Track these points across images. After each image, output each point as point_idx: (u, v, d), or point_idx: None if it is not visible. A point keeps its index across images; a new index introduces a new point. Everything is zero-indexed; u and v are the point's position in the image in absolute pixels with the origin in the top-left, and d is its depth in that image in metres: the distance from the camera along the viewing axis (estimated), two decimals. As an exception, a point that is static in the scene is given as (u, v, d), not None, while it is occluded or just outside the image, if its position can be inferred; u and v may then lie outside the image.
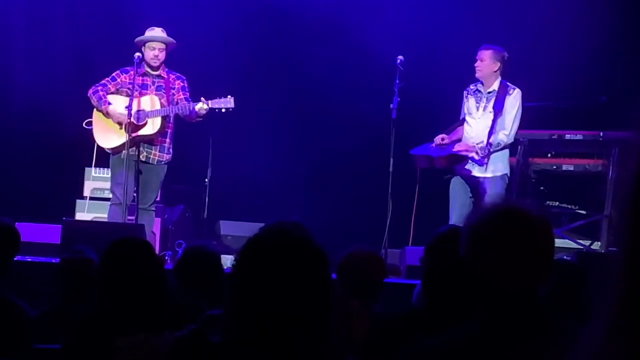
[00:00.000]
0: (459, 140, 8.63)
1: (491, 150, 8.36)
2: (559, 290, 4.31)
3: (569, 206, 9.36)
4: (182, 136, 9.80)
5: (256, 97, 10.62)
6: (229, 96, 8.53)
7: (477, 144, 8.41)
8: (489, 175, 8.42)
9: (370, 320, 4.10)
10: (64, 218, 8.18)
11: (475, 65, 8.53)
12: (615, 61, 9.95)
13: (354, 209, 10.48)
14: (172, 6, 10.59)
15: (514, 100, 8.49)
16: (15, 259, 4.38)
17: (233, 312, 2.31)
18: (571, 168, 9.31)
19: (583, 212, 9.23)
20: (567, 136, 9.33)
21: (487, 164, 8.37)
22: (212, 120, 9.13)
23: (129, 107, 8.35)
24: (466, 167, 8.48)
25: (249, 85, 10.47)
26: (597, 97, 9.51)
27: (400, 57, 8.75)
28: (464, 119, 8.69)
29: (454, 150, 8.48)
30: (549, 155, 9.41)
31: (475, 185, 8.49)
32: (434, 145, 8.59)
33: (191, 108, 8.46)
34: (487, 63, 8.49)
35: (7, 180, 10.50)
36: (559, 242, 7.98)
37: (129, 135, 8.33)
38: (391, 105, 8.64)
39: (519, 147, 9.13)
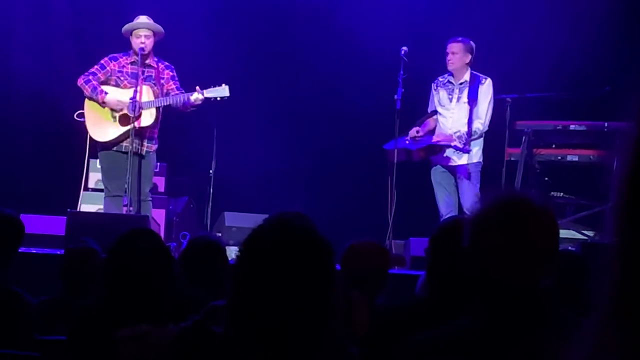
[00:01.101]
0: (431, 132, 8.79)
1: (469, 139, 8.48)
2: (563, 281, 4.31)
3: (574, 197, 9.35)
4: (186, 128, 9.81)
5: (260, 89, 10.62)
6: (223, 84, 8.48)
7: (455, 133, 8.58)
8: (466, 162, 8.69)
9: (372, 312, 4.10)
10: (68, 210, 8.18)
11: (448, 58, 8.77)
12: (620, 51, 9.92)
13: (359, 200, 10.49)
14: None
15: (486, 89, 8.76)
16: (20, 250, 4.39)
17: (237, 303, 2.31)
18: (576, 159, 9.30)
19: (587, 202, 9.21)
20: (572, 127, 9.32)
21: (470, 151, 8.52)
22: (216, 112, 9.12)
23: (133, 99, 8.32)
24: (445, 155, 8.67)
25: (252, 77, 10.48)
26: (601, 87, 9.48)
27: (405, 48, 8.81)
28: (433, 112, 8.89)
29: (432, 141, 8.64)
30: (554, 145, 9.40)
31: (456, 173, 8.76)
32: (408, 138, 8.71)
33: (186, 99, 8.41)
34: (459, 56, 8.75)
35: (12, 172, 10.50)
36: (563, 233, 7.98)
37: (134, 127, 8.31)
38: (395, 96, 8.67)
39: (523, 137, 9.14)
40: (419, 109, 9.15)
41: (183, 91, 8.56)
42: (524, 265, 2.34)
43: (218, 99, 8.47)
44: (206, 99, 8.44)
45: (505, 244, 2.33)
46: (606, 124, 9.08)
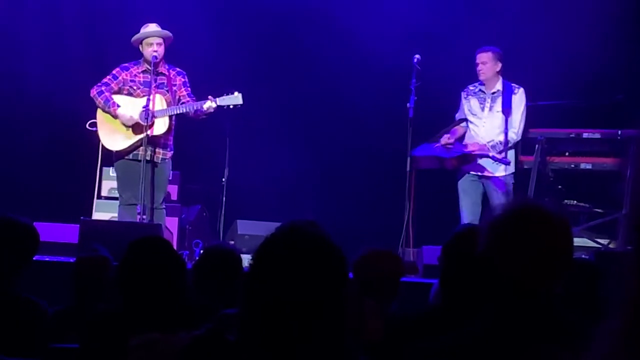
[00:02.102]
0: (460, 139, 8.74)
1: (505, 149, 8.45)
2: (576, 289, 4.29)
3: (587, 205, 9.32)
4: (199, 136, 9.82)
5: (272, 97, 10.63)
6: (236, 92, 8.48)
7: (488, 142, 8.53)
8: (503, 173, 8.58)
9: (385, 320, 4.09)
10: (81, 218, 8.19)
11: (479, 69, 8.70)
12: (633, 59, 9.89)
13: (372, 209, 10.48)
14: (181, 2, 10.62)
15: (519, 99, 8.71)
16: (33, 258, 4.39)
17: (249, 311, 2.31)
18: (589, 166, 9.28)
19: (601, 210, 9.18)
20: (585, 135, 9.30)
21: (510, 162, 8.47)
22: (229, 120, 9.13)
23: (146, 107, 8.33)
24: (478, 165, 8.58)
25: (264, 85, 10.48)
26: (614, 95, 9.46)
27: (417, 56, 8.80)
28: (462, 120, 8.82)
29: (466, 150, 8.57)
30: (567, 153, 9.38)
31: (488, 184, 8.65)
32: (438, 145, 8.67)
33: (198, 107, 8.42)
34: (489, 65, 8.69)
35: (26, 180, 10.54)
36: (577, 241, 7.95)
37: (147, 135, 8.32)
38: (408, 104, 8.67)
39: (537, 145, 9.12)
40: (432, 116, 9.14)
41: (194, 97, 8.57)
42: (538, 273, 2.33)
43: (231, 107, 8.47)
44: (219, 107, 8.43)
45: (519, 251, 2.33)
46: (619, 132, 9.06)
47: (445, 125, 9.13)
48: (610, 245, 8.96)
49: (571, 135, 9.33)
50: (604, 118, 9.47)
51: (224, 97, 8.45)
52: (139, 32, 8.63)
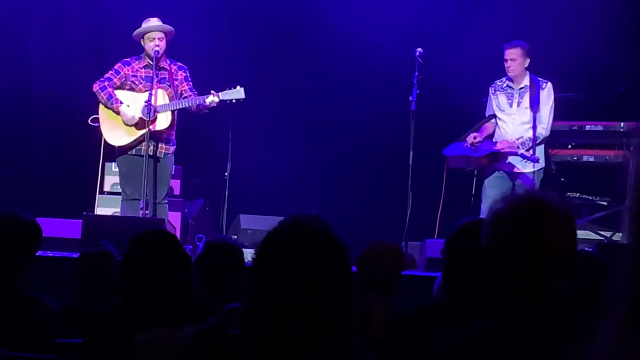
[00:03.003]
0: (490, 136, 8.66)
1: (534, 145, 8.37)
2: (580, 282, 4.29)
3: (590, 197, 9.33)
4: (201, 131, 9.82)
5: (274, 92, 10.62)
6: (238, 86, 8.46)
7: (518, 139, 8.45)
8: (532, 169, 8.50)
9: (389, 314, 4.09)
10: (84, 213, 8.19)
11: (507, 65, 8.54)
12: (635, 52, 9.89)
13: (374, 202, 10.48)
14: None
15: (547, 94, 8.58)
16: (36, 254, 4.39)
17: (253, 306, 2.31)
18: (592, 159, 9.29)
19: (604, 203, 9.19)
20: (588, 127, 9.31)
21: (538, 159, 8.40)
22: (232, 115, 9.13)
23: (148, 102, 8.32)
24: (507, 162, 8.51)
25: (267, 79, 10.47)
26: (617, 87, 9.46)
27: (419, 49, 8.76)
28: (491, 116, 8.72)
29: (495, 148, 8.49)
30: (570, 146, 9.38)
31: (517, 180, 8.55)
32: (466, 144, 8.59)
33: (201, 101, 8.40)
34: (519, 61, 8.54)
35: (28, 175, 10.54)
36: (580, 234, 7.92)
37: (149, 130, 8.31)
38: (410, 98, 8.64)
39: (540, 138, 9.12)
40: (435, 110, 9.14)
41: (196, 92, 8.56)
42: (542, 266, 2.33)
43: (233, 101, 8.46)
44: (221, 101, 8.42)
45: (523, 244, 2.32)
46: (622, 124, 9.07)
47: (447, 119, 9.12)
48: (614, 238, 8.97)
49: (574, 128, 9.34)
50: (607, 110, 9.48)
51: (226, 91, 8.44)
52: (140, 26, 8.61)
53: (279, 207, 8.55)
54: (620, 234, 8.88)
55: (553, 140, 9.20)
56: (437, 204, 9.15)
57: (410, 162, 8.61)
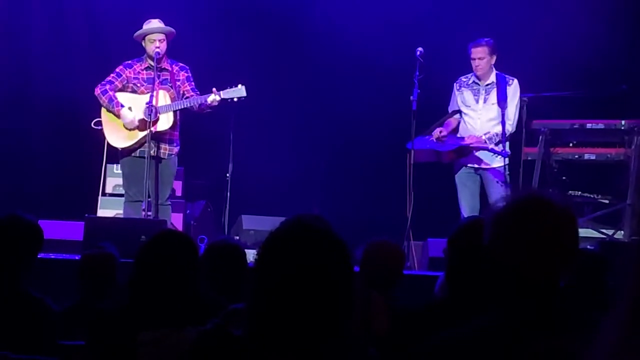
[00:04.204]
0: (454, 131, 8.73)
1: (504, 141, 8.44)
2: (582, 279, 4.29)
3: (592, 195, 9.32)
4: (202, 132, 9.82)
5: (276, 92, 10.62)
6: (239, 85, 8.46)
7: (485, 134, 8.53)
8: (500, 164, 8.57)
9: (391, 312, 4.10)
10: (86, 215, 8.19)
11: (475, 64, 8.68)
12: (636, 49, 9.89)
13: (377, 202, 10.48)
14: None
15: (514, 90, 8.70)
16: (38, 256, 4.39)
17: (256, 306, 2.31)
18: (593, 157, 9.28)
19: (606, 201, 9.18)
20: (589, 125, 9.30)
21: (509, 154, 8.46)
22: (233, 116, 9.13)
23: (149, 103, 8.32)
24: (476, 157, 8.62)
25: (268, 79, 10.48)
26: (618, 85, 9.45)
27: (420, 49, 8.77)
28: (454, 111, 8.82)
29: (464, 143, 8.57)
30: (571, 144, 9.38)
31: (486, 175, 8.67)
32: (432, 139, 8.67)
33: (202, 100, 8.39)
34: (486, 60, 8.71)
35: (30, 177, 10.55)
36: (581, 232, 7.92)
37: (150, 132, 8.31)
38: (411, 97, 8.65)
39: (540, 137, 9.13)
40: (436, 109, 9.13)
41: (198, 92, 8.55)
42: (544, 264, 2.33)
43: (235, 99, 8.45)
44: (223, 100, 8.42)
45: (525, 242, 2.32)
46: (623, 122, 9.06)
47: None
48: (615, 236, 8.96)
49: (575, 126, 9.33)
50: (608, 108, 9.47)
51: (227, 89, 8.44)
52: (141, 27, 8.61)
53: (281, 208, 8.55)
54: (622, 232, 8.87)
55: (554, 139, 9.21)
56: (438, 204, 9.17)
57: (412, 162, 8.61)
